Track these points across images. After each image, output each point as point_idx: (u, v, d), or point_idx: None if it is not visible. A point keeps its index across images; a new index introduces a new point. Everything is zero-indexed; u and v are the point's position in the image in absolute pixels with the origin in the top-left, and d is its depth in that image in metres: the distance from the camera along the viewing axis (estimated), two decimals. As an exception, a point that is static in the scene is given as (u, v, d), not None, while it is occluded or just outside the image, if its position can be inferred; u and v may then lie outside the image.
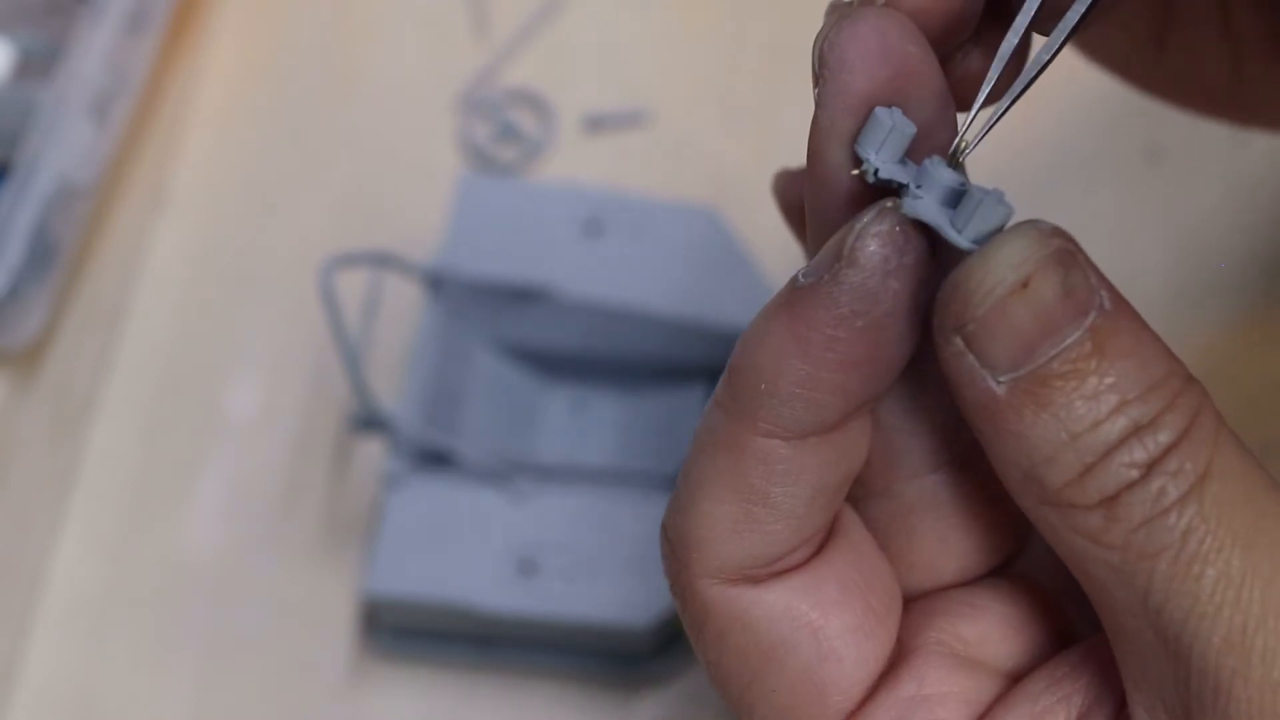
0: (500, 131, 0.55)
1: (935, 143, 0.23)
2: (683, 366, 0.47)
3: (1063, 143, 0.53)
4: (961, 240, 0.21)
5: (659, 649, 0.45)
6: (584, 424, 0.47)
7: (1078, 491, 0.21)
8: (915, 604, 0.26)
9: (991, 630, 0.25)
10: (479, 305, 0.46)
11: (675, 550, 0.24)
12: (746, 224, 0.50)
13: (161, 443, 0.50)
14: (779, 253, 0.51)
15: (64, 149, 0.50)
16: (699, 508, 0.24)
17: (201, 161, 0.55)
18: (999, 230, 0.22)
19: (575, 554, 0.43)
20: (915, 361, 0.23)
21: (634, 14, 0.57)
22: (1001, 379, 0.21)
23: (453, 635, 0.45)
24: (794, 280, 0.22)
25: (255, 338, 0.51)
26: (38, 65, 0.53)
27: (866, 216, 0.22)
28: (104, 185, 0.53)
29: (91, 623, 0.47)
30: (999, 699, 0.24)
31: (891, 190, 0.22)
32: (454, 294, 0.46)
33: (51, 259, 0.50)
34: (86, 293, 0.52)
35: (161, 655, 0.47)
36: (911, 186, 0.22)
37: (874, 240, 0.21)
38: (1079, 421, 0.21)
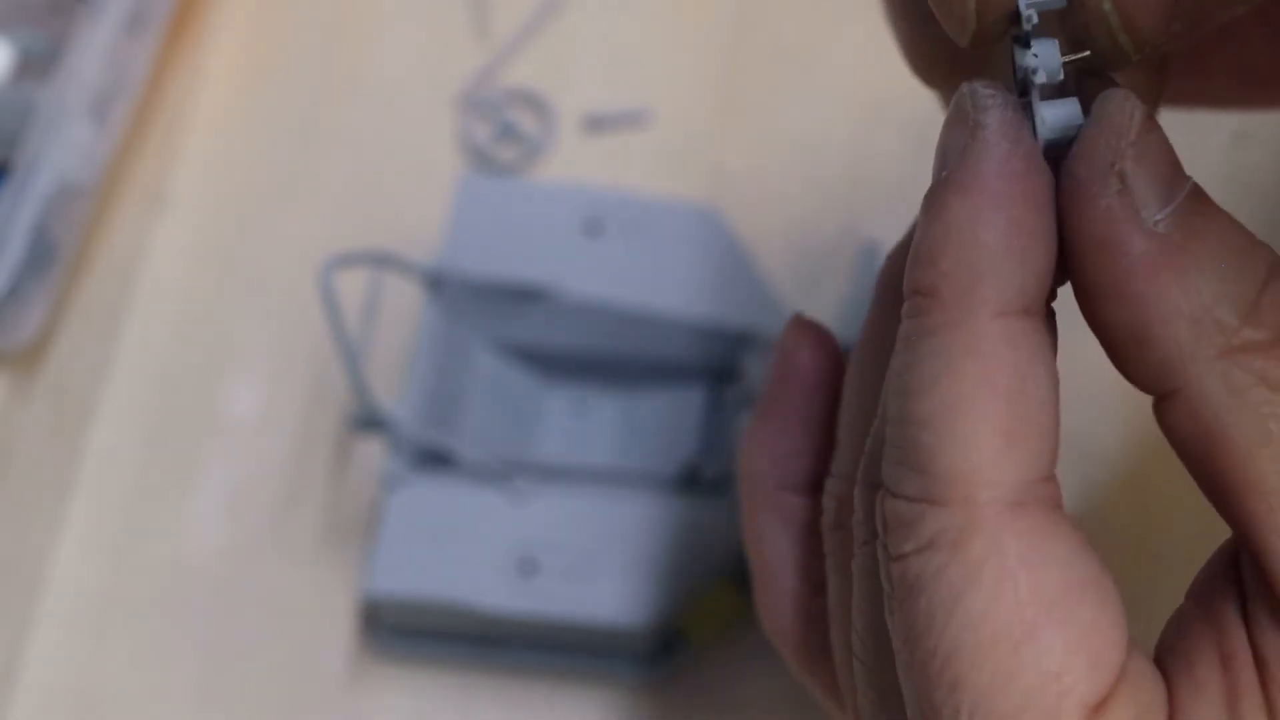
0: (500, 131, 0.55)
1: None
2: (683, 366, 0.47)
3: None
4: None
5: (659, 649, 0.45)
6: (584, 424, 0.47)
7: (1254, 324, 0.20)
8: None
9: None
10: (479, 305, 0.46)
11: (940, 488, 0.20)
12: (746, 224, 0.49)
13: (161, 443, 0.50)
14: (779, 253, 0.51)
15: (63, 149, 0.50)
16: (956, 433, 0.20)
17: (201, 161, 0.55)
18: None
19: (575, 554, 0.43)
20: None
21: (634, 14, 0.57)
22: (1158, 218, 0.21)
23: (453, 635, 0.45)
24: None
25: (255, 338, 0.51)
26: (38, 65, 0.53)
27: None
28: (104, 185, 0.52)
29: (91, 623, 0.47)
30: None
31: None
32: (454, 294, 0.46)
33: (51, 259, 0.50)
34: (86, 293, 0.52)
35: (161, 655, 0.47)
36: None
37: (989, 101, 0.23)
38: (1234, 245, 0.21)
